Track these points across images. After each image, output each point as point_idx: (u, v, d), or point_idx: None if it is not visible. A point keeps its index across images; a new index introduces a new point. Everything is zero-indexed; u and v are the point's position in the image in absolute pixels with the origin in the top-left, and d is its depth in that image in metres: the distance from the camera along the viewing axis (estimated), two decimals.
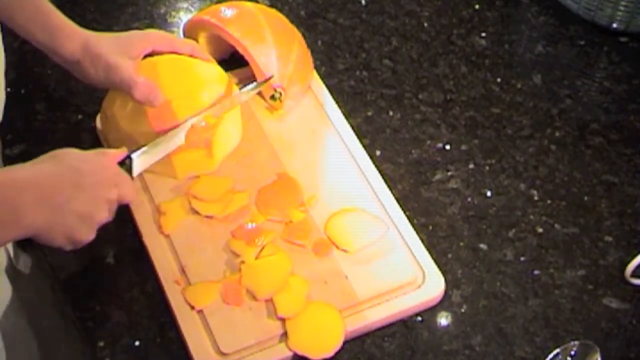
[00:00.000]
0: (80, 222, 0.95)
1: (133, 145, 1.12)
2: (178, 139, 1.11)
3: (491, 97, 1.28)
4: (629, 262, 1.09)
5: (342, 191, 1.14)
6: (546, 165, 1.21)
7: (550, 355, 1.02)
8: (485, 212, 1.15)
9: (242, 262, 1.07)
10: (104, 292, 1.07)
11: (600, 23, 1.35)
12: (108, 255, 1.09)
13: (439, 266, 1.08)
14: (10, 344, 0.99)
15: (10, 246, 1.03)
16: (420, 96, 1.28)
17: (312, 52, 1.27)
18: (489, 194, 1.17)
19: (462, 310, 1.07)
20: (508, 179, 1.19)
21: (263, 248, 1.08)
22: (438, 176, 1.19)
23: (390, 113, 1.26)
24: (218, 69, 1.18)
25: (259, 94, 1.23)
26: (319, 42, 1.34)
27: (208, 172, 1.15)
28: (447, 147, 1.22)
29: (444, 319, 1.06)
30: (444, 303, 1.07)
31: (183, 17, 1.37)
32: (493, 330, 1.05)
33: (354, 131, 1.21)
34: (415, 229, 1.11)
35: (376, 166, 1.17)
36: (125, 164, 1.04)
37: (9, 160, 1.18)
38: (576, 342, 1.02)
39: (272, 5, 1.36)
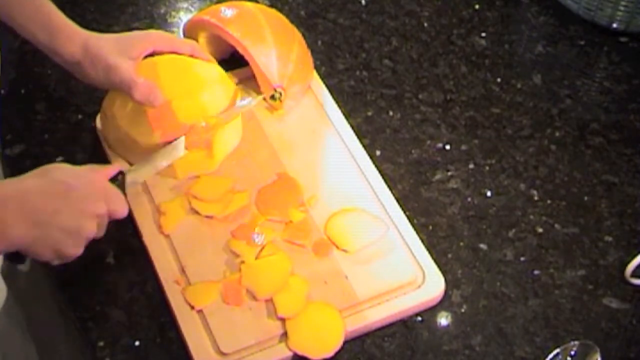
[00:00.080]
0: (67, 236, 0.94)
1: (133, 145, 1.13)
2: (171, 155, 1.11)
3: (491, 97, 1.28)
4: (629, 262, 1.09)
5: (342, 191, 1.14)
6: (546, 165, 1.21)
7: (550, 355, 1.02)
8: (485, 212, 1.15)
9: (242, 262, 1.07)
10: (104, 292, 1.07)
11: (600, 23, 1.35)
12: (108, 255, 1.09)
13: (439, 266, 1.08)
14: (8, 344, 0.99)
15: None
16: (420, 96, 1.28)
17: (312, 52, 1.27)
18: (489, 194, 1.17)
19: (462, 310, 1.07)
20: (508, 179, 1.19)
21: (263, 248, 1.08)
22: (438, 176, 1.19)
23: (390, 113, 1.26)
24: (218, 69, 1.19)
25: (259, 94, 1.23)
26: (319, 42, 1.34)
27: (208, 172, 1.15)
28: (447, 147, 1.22)
29: (444, 319, 1.06)
30: (444, 303, 1.07)
31: (183, 17, 1.37)
32: (493, 330, 1.05)
33: (354, 131, 1.21)
34: (415, 229, 1.11)
35: (376, 166, 1.17)
36: (118, 180, 1.03)
37: (9, 160, 1.18)
38: (576, 342, 1.02)
39: (272, 5, 1.36)
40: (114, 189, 1.01)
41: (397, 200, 1.14)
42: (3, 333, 0.99)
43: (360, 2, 1.40)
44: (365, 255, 1.09)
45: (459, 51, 1.34)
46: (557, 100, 1.28)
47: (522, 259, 1.11)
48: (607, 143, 1.23)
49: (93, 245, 0.99)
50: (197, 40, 1.23)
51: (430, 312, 1.06)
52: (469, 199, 1.17)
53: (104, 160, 1.16)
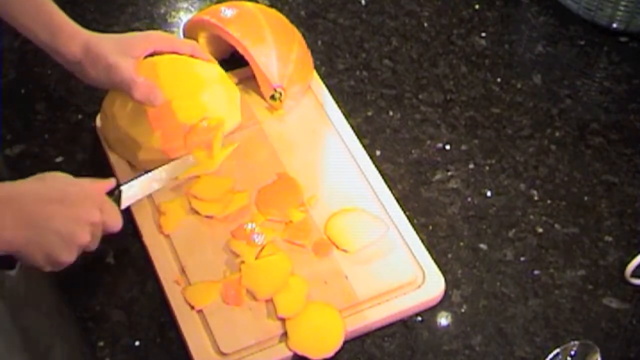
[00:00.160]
0: (60, 241, 0.94)
1: (133, 145, 1.13)
2: (169, 175, 1.11)
3: (491, 97, 1.28)
4: (629, 262, 1.09)
5: (342, 191, 1.14)
6: (546, 165, 1.21)
7: (550, 355, 1.02)
8: (485, 212, 1.15)
9: (242, 262, 1.07)
10: (104, 292, 1.07)
11: (600, 23, 1.35)
12: (108, 255, 1.09)
13: (439, 266, 1.08)
14: (7, 344, 0.98)
15: None
16: (420, 96, 1.28)
17: (312, 52, 1.27)
18: (489, 194, 1.17)
19: (462, 310, 1.07)
20: (508, 179, 1.19)
21: (263, 248, 1.08)
22: (438, 176, 1.19)
23: (390, 113, 1.26)
24: (218, 69, 1.19)
25: (259, 94, 1.23)
26: (319, 42, 1.34)
27: (208, 172, 1.15)
28: (447, 147, 1.22)
29: (444, 319, 1.06)
30: (444, 303, 1.07)
31: (183, 17, 1.37)
32: (493, 330, 1.05)
33: (354, 131, 1.21)
34: (415, 229, 1.11)
35: (376, 166, 1.17)
36: (114, 194, 1.03)
37: (9, 160, 1.18)
38: (576, 342, 1.02)
39: (272, 5, 1.36)
40: (109, 202, 1.01)
41: (397, 200, 1.14)
42: (5, 330, 0.98)
43: (360, 2, 1.40)
44: (365, 255, 1.09)
45: (459, 51, 1.34)
46: (557, 100, 1.28)
47: (522, 259, 1.11)
48: (607, 143, 1.23)
49: None
50: (197, 40, 1.23)
51: (430, 312, 1.06)
52: (469, 199, 1.17)
53: (104, 160, 1.17)
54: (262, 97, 1.23)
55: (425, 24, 1.37)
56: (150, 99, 1.09)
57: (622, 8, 1.31)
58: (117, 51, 1.10)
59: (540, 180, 1.19)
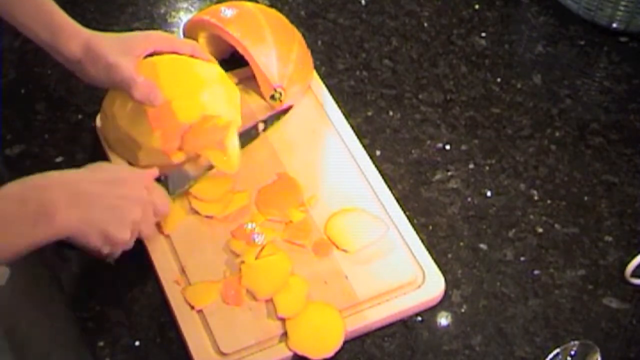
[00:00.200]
0: (112, 217, 0.96)
1: (133, 145, 1.13)
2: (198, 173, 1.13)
3: (491, 97, 1.28)
4: (629, 262, 1.09)
5: (342, 191, 1.14)
6: (546, 165, 1.21)
7: (550, 355, 1.02)
8: (485, 212, 1.15)
9: (242, 262, 1.07)
10: (104, 292, 1.07)
11: (600, 23, 1.35)
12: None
13: (439, 266, 1.08)
14: (6, 344, 0.98)
15: None
16: (420, 96, 1.28)
17: (312, 52, 1.27)
18: (489, 194, 1.17)
19: (462, 310, 1.07)
20: (508, 179, 1.19)
21: (263, 248, 1.08)
22: (438, 176, 1.19)
23: (390, 113, 1.26)
24: (218, 69, 1.19)
25: (259, 94, 1.23)
26: (319, 42, 1.34)
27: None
28: (447, 147, 1.22)
29: (444, 319, 1.06)
30: (444, 303, 1.07)
31: (183, 17, 1.37)
32: (493, 330, 1.05)
33: (354, 131, 1.21)
34: (415, 229, 1.11)
35: (376, 166, 1.17)
36: (161, 181, 1.07)
37: (9, 160, 1.18)
38: (576, 342, 1.02)
39: (272, 5, 1.36)
40: (158, 186, 1.05)
41: (397, 200, 1.14)
42: (5, 330, 0.99)
43: (360, 2, 1.40)
44: (365, 255, 1.09)
45: (459, 51, 1.34)
46: (557, 100, 1.28)
47: (522, 259, 1.11)
48: (607, 143, 1.23)
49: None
50: (197, 40, 1.23)
51: (430, 312, 1.06)
52: (469, 199, 1.17)
53: (104, 160, 1.16)
54: (262, 97, 1.23)
55: (425, 24, 1.37)
56: (150, 98, 1.09)
57: (622, 8, 1.31)
58: (118, 50, 1.10)
59: (540, 180, 1.19)
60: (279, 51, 1.21)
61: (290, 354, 1.01)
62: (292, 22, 1.27)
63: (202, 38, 1.25)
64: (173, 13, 1.38)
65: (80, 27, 1.10)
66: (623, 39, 1.36)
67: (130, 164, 1.15)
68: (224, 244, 1.09)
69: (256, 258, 1.07)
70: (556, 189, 1.18)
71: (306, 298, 1.04)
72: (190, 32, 1.26)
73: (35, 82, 1.27)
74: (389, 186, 1.15)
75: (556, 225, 1.14)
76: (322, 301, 1.04)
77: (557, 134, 1.24)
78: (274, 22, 1.23)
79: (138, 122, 1.12)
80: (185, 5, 1.39)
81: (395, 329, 1.05)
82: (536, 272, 1.10)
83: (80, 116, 1.23)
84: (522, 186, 1.18)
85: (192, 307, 1.04)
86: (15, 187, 0.91)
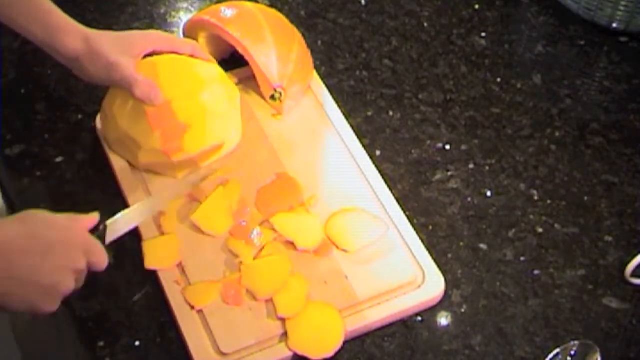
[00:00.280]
0: (43, 293, 0.91)
1: (133, 145, 1.13)
2: (155, 207, 1.09)
3: (491, 97, 1.28)
4: (629, 262, 1.09)
5: (342, 191, 1.14)
6: (546, 165, 1.21)
7: (550, 355, 1.02)
8: (485, 212, 1.15)
9: (242, 262, 1.07)
10: (104, 292, 1.07)
11: (600, 23, 1.35)
12: (108, 256, 1.09)
13: (439, 266, 1.08)
14: (6, 344, 0.98)
15: None
16: (420, 96, 1.28)
17: (312, 52, 1.27)
18: (489, 194, 1.17)
19: (462, 310, 1.07)
20: (508, 179, 1.19)
21: (263, 248, 1.08)
22: (438, 176, 1.19)
23: (390, 113, 1.26)
24: (218, 69, 1.19)
25: (259, 94, 1.23)
26: (319, 42, 1.34)
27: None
28: (447, 147, 1.22)
29: (444, 319, 1.06)
30: (444, 303, 1.07)
31: (183, 17, 1.37)
32: (493, 330, 1.05)
33: (354, 131, 1.21)
34: (415, 229, 1.11)
35: (376, 166, 1.17)
36: (99, 230, 0.99)
37: (9, 160, 1.18)
38: (576, 342, 1.02)
39: (272, 5, 1.36)
40: (93, 241, 0.97)
41: (397, 200, 1.14)
42: (5, 331, 0.98)
43: (360, 2, 1.40)
44: (365, 255, 1.09)
45: (459, 51, 1.34)
46: (557, 100, 1.28)
47: (522, 259, 1.11)
48: (607, 143, 1.23)
49: None
50: (197, 40, 1.23)
51: (430, 312, 1.06)
52: (469, 199, 1.17)
53: (104, 160, 1.17)
54: (262, 97, 1.23)
55: (425, 24, 1.37)
56: (151, 97, 1.09)
57: (622, 8, 1.31)
58: (117, 49, 1.10)
59: (540, 180, 1.19)
60: (279, 51, 1.21)
61: (290, 354, 1.01)
62: (292, 22, 1.27)
63: (202, 38, 1.25)
64: (173, 13, 1.38)
65: (78, 24, 1.10)
66: (623, 39, 1.36)
67: (130, 164, 1.15)
68: (223, 244, 1.09)
69: (256, 258, 1.07)
70: (556, 189, 1.18)
71: (306, 298, 1.04)
72: (190, 32, 1.26)
73: (35, 82, 1.27)
74: (389, 186, 1.15)
75: (556, 225, 1.14)
76: (322, 301, 1.04)
77: (557, 134, 1.24)
78: (274, 22, 1.23)
79: (138, 122, 1.12)
80: (185, 5, 1.39)
81: (395, 329, 1.05)
82: (536, 272, 1.10)
83: (80, 116, 1.23)
84: (522, 186, 1.18)
85: (192, 307, 1.04)
86: None
